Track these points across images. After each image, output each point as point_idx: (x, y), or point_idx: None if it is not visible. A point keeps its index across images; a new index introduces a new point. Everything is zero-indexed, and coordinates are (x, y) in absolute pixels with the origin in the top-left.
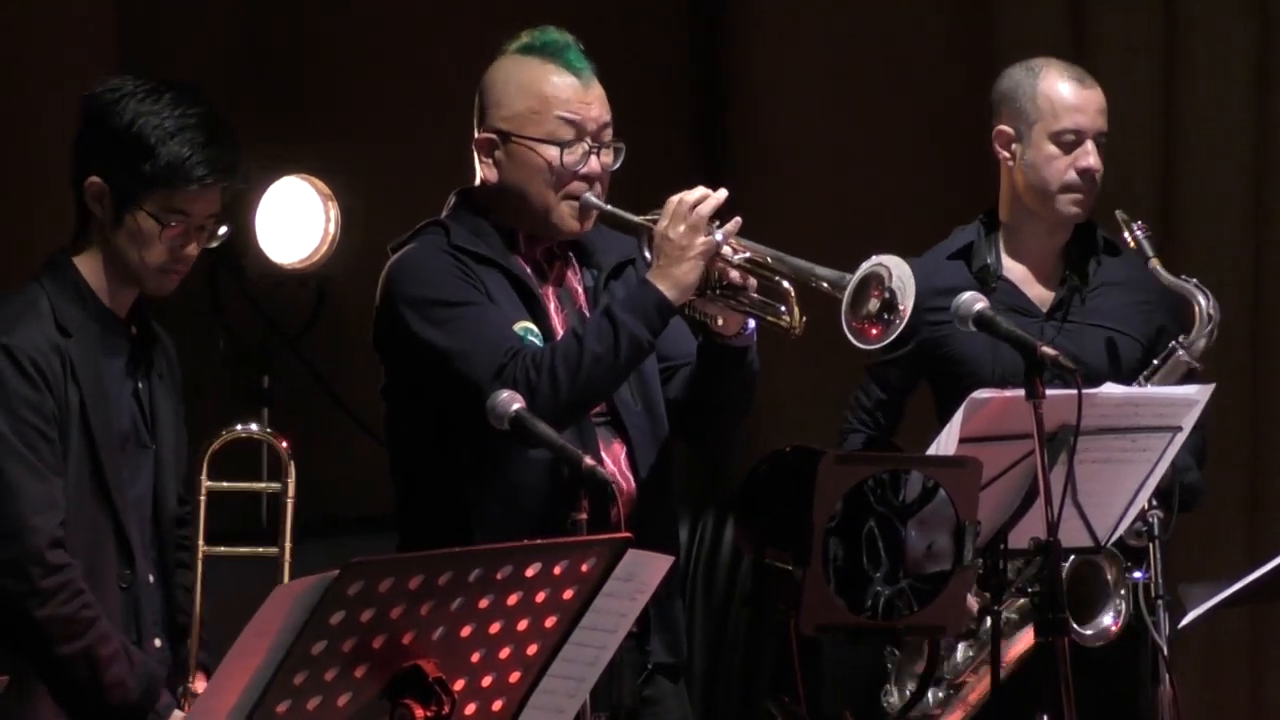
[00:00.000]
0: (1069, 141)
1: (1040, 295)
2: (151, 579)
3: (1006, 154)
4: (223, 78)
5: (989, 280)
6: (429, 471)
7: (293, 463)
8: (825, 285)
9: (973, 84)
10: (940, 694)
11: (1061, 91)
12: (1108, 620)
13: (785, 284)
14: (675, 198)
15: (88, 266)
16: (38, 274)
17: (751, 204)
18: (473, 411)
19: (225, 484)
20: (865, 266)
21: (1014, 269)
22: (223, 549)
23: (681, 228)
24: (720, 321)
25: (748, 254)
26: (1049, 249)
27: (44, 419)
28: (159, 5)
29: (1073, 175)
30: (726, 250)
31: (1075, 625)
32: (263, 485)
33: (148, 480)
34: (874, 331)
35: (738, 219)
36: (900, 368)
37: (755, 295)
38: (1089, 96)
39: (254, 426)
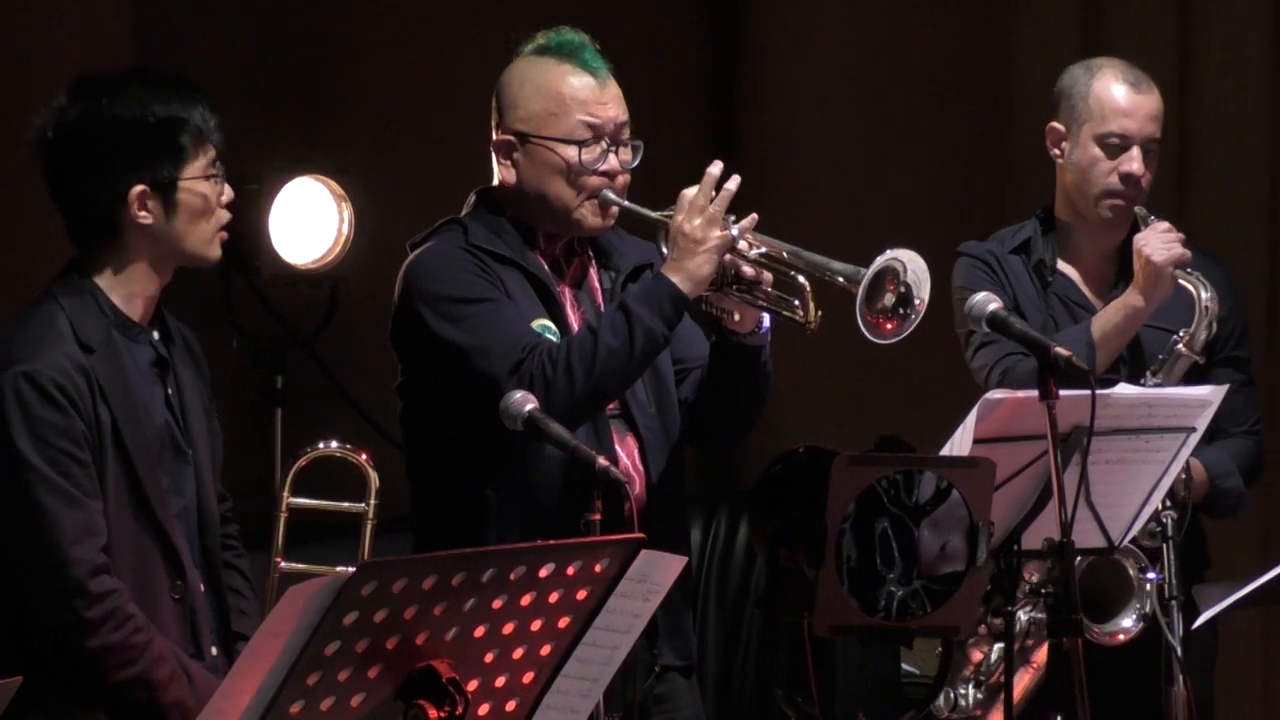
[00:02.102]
0: (1114, 145)
1: (1096, 293)
2: (202, 587)
3: (1056, 151)
4: (237, 80)
5: (1045, 274)
6: (445, 470)
7: (375, 478)
8: (841, 280)
9: (988, 81)
10: (979, 694)
11: (1113, 94)
12: (1128, 622)
13: (801, 279)
14: (690, 190)
15: (102, 277)
16: (50, 290)
17: (768, 201)
18: (490, 408)
19: (308, 501)
20: (880, 260)
21: (1072, 264)
22: (300, 566)
23: (697, 221)
24: (736, 317)
25: (763, 249)
26: (1103, 248)
27: (75, 443)
28: (176, 7)
29: (1114, 180)
30: (742, 245)
31: (1090, 624)
32: (347, 505)
33: (191, 490)
34: (889, 326)
35: (754, 215)
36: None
37: (770, 290)
38: (1140, 102)
39: (334, 444)
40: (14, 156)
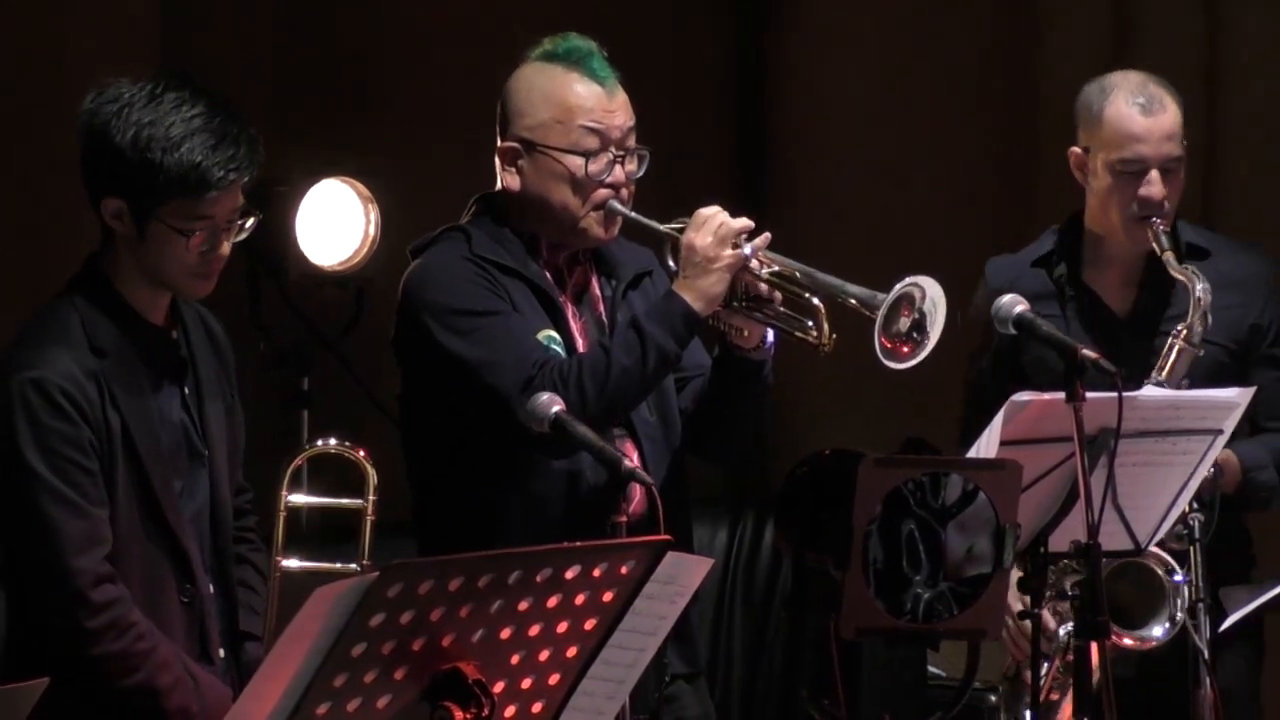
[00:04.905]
0: (1131, 172)
1: (1123, 303)
2: (211, 589)
3: (1079, 174)
4: (264, 81)
5: (1065, 290)
6: (448, 478)
7: (374, 476)
8: (854, 302)
9: (1018, 94)
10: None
11: (1124, 120)
12: (1158, 631)
13: (815, 300)
14: (705, 209)
15: (120, 274)
16: (68, 288)
17: (793, 204)
18: (497, 422)
19: (306, 499)
20: (898, 288)
21: (1096, 276)
22: (298, 564)
23: (709, 239)
24: (745, 333)
25: (776, 268)
26: (1132, 256)
27: (81, 452)
28: (204, 7)
29: (1135, 206)
30: (754, 264)
31: (1121, 631)
32: (345, 501)
33: (204, 492)
34: (905, 349)
35: (766, 234)
36: (992, 378)
37: (782, 309)
38: (1152, 125)
39: (333, 442)
40: (38, 149)
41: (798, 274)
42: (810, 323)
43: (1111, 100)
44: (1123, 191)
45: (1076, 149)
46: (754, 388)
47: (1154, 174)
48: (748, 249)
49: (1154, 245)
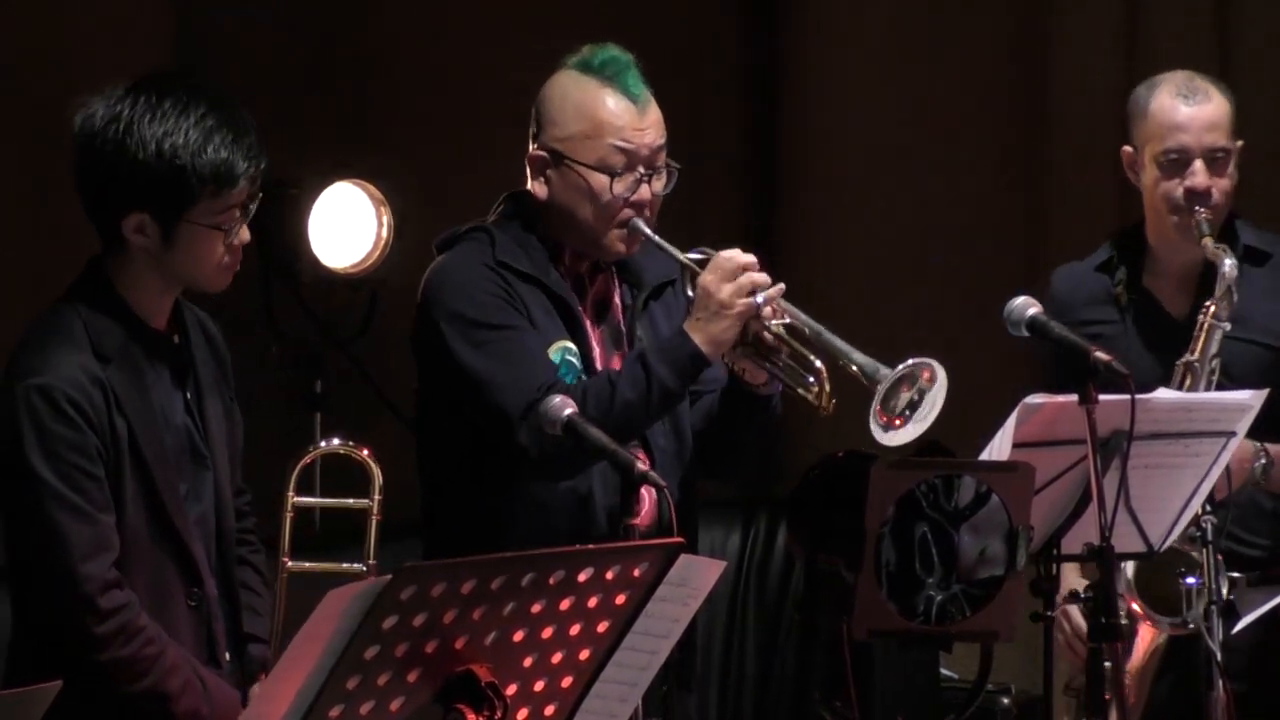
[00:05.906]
0: (1174, 161)
1: (1181, 308)
2: (216, 593)
3: (1132, 175)
4: (277, 83)
5: (1122, 297)
6: (457, 482)
7: (379, 475)
8: (855, 369)
9: (1029, 90)
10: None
11: (1166, 110)
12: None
13: (818, 362)
14: (726, 252)
15: (122, 279)
16: (69, 294)
17: (806, 203)
18: (499, 438)
19: (313, 500)
20: (901, 368)
21: (1155, 281)
22: (307, 564)
23: (727, 286)
24: (749, 374)
25: (787, 319)
26: (1189, 260)
27: (88, 458)
28: (217, 10)
29: (1179, 196)
30: (766, 312)
31: (1160, 617)
32: (351, 501)
33: (209, 495)
34: (898, 423)
35: (781, 285)
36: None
37: (787, 362)
38: (1193, 114)
39: (335, 441)
40: (49, 151)
41: (806, 331)
42: (811, 379)
43: (1156, 94)
44: (1168, 183)
45: (1128, 148)
46: (760, 418)
47: (1198, 164)
48: (760, 298)
49: (1194, 231)
